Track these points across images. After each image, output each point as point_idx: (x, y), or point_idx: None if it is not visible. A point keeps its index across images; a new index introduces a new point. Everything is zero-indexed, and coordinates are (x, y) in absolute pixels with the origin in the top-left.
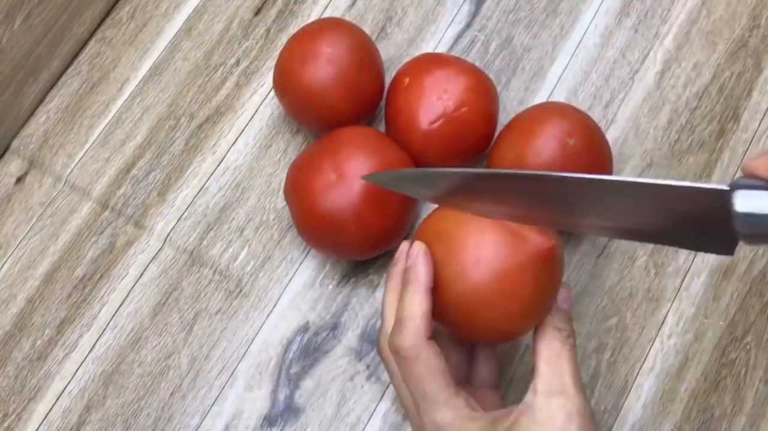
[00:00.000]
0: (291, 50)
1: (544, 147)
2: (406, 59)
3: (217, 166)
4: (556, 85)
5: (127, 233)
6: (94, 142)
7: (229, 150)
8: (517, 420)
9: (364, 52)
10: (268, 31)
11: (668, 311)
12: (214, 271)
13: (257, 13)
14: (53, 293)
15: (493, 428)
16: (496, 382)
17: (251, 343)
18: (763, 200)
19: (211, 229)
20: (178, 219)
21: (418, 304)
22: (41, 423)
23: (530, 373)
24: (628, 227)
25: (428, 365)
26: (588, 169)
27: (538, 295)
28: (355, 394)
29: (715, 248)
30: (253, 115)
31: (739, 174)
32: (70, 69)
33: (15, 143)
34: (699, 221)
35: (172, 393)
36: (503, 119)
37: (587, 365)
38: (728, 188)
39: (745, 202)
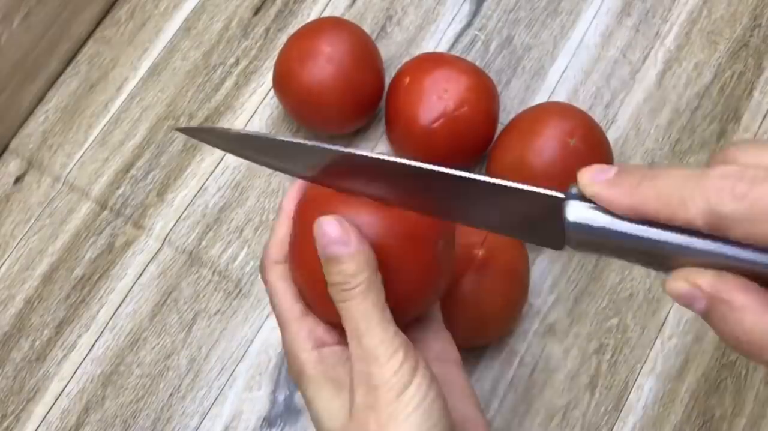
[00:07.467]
0: (290, 50)
1: (545, 147)
2: (406, 59)
3: (216, 166)
4: (556, 84)
5: (126, 233)
6: (92, 142)
7: None
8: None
9: (364, 51)
10: (267, 30)
11: (669, 312)
12: (213, 271)
13: (257, 12)
14: (52, 293)
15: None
16: (456, 357)
17: (250, 344)
18: (592, 213)
19: (210, 229)
20: (177, 219)
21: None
22: (40, 424)
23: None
24: (462, 216)
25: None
26: None
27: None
28: None
29: (546, 243)
30: (253, 114)
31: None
32: (69, 69)
33: (14, 143)
34: (532, 220)
35: (171, 394)
36: (504, 118)
37: (588, 365)
38: (563, 197)
39: (576, 212)
